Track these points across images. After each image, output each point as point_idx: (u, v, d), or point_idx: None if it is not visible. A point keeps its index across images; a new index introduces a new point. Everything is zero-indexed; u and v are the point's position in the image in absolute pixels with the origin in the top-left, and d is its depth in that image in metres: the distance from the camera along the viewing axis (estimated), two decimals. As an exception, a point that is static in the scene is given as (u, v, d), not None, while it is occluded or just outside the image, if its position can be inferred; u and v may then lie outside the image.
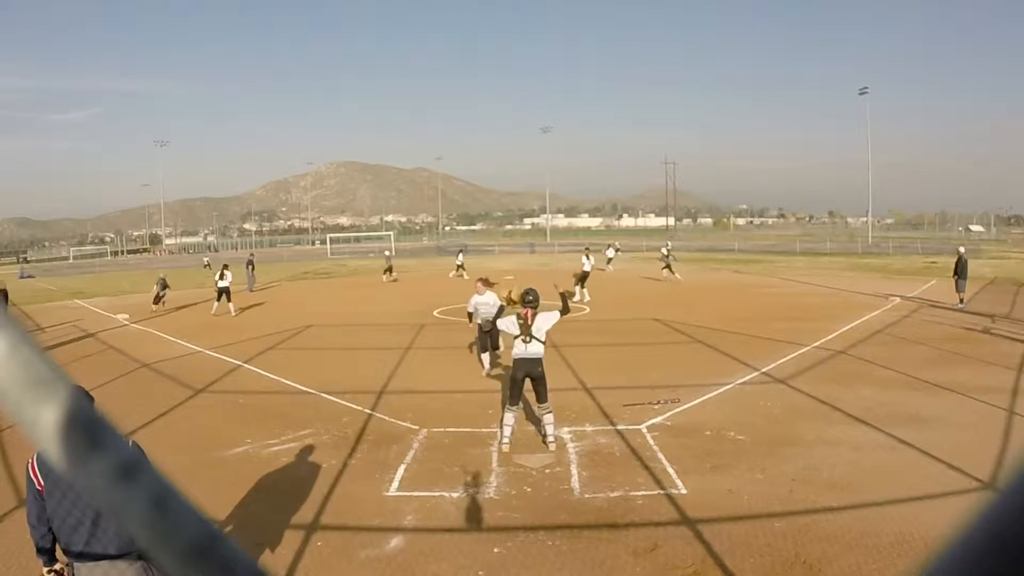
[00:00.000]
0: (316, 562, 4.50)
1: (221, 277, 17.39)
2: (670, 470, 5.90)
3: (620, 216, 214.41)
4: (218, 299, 17.36)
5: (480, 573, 4.35)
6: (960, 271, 15.76)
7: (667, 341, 12.45)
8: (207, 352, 12.07)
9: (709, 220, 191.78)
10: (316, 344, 13.01)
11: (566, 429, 7.05)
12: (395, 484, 5.79)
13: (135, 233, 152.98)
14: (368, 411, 7.92)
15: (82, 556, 2.79)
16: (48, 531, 2.83)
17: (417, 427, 7.26)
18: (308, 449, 6.67)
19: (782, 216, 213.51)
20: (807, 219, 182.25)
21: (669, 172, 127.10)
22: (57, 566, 2.90)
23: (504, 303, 8.31)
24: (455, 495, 5.55)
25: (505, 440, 6.47)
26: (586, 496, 5.47)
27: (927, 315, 14.80)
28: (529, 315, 6.68)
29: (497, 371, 9.47)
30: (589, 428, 7.15)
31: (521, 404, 6.71)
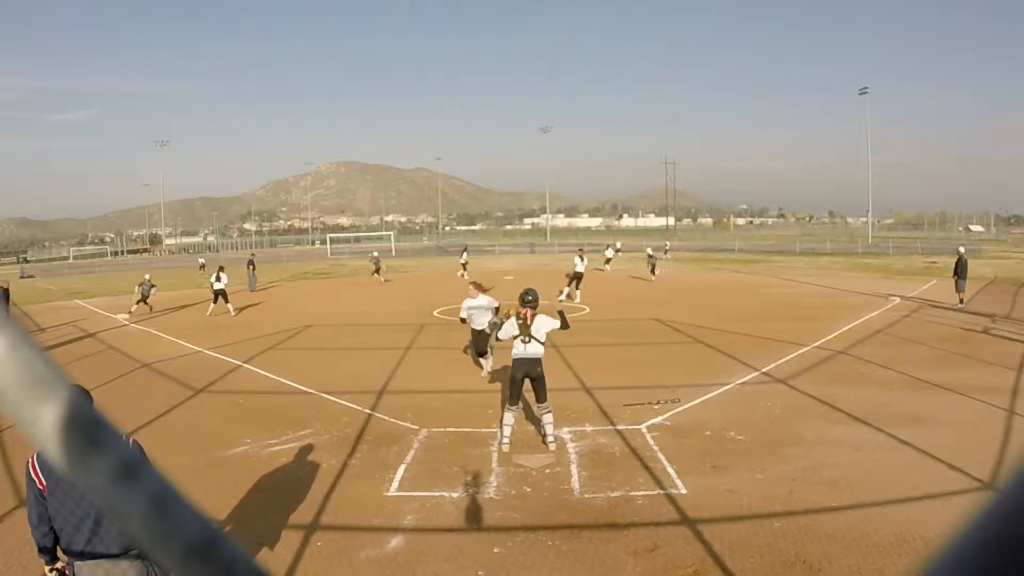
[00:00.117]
0: (316, 562, 4.50)
1: (217, 279, 17.37)
2: (670, 470, 5.90)
3: (620, 216, 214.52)
4: (214, 301, 17.32)
5: (480, 573, 4.35)
6: (960, 271, 15.76)
7: (667, 341, 12.45)
8: (207, 352, 12.07)
9: (709, 220, 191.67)
10: (316, 344, 13.01)
11: (566, 429, 7.05)
12: (395, 484, 5.79)
13: (135, 233, 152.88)
14: (368, 411, 7.92)
15: (83, 555, 2.79)
16: (50, 530, 2.83)
17: (417, 427, 7.26)
18: (308, 449, 6.67)
19: (782, 216, 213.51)
20: (807, 219, 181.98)
21: (669, 172, 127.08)
22: (59, 565, 2.90)
23: (502, 319, 8.24)
24: (455, 495, 5.55)
25: (505, 440, 6.47)
26: (586, 496, 5.47)
27: (927, 315, 14.80)
28: (529, 315, 6.68)
29: (493, 372, 9.40)
30: (589, 428, 7.15)
31: (521, 404, 6.71)
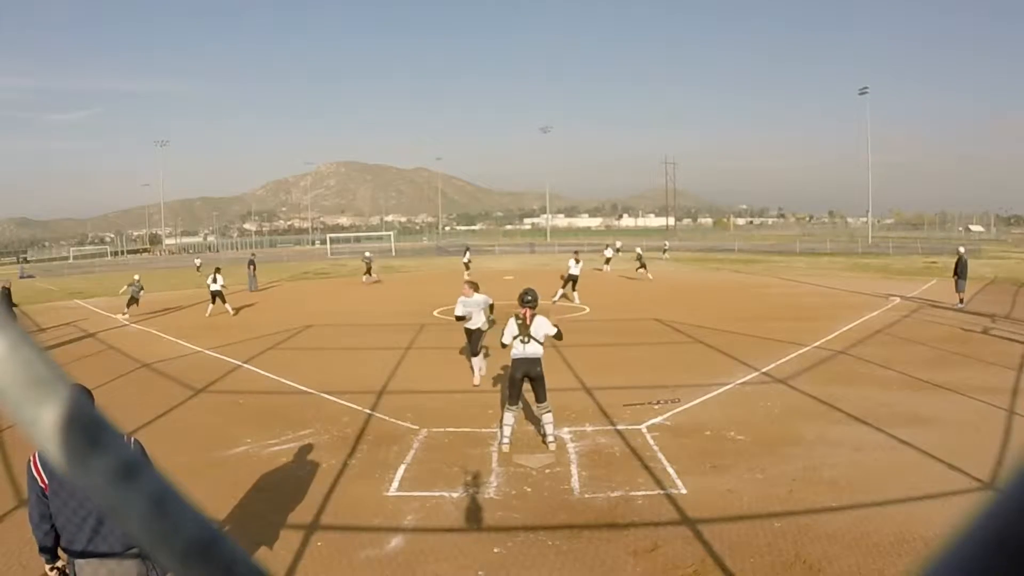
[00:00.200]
0: (316, 562, 4.50)
1: (213, 280, 17.39)
2: (670, 470, 5.90)
3: (620, 216, 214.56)
4: (212, 302, 17.36)
5: (480, 573, 4.34)
6: (960, 271, 15.76)
7: (667, 341, 12.45)
8: (207, 352, 12.07)
9: (709, 220, 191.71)
10: (316, 344, 13.01)
11: (566, 429, 7.05)
12: (395, 484, 5.79)
13: (135, 233, 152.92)
14: (368, 411, 7.92)
15: (84, 554, 2.79)
16: (51, 528, 2.83)
17: (417, 427, 7.26)
18: (308, 449, 6.67)
19: (782, 216, 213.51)
20: (807, 219, 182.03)
21: (669, 172, 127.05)
22: (59, 563, 2.89)
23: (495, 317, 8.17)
24: (455, 495, 5.55)
25: (505, 440, 6.47)
26: (586, 496, 5.47)
27: (927, 315, 14.80)
28: (528, 315, 6.68)
29: (483, 378, 9.22)
30: (589, 428, 7.15)
31: (521, 404, 6.71)
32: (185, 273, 32.70)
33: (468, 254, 29.77)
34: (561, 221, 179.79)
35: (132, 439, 2.86)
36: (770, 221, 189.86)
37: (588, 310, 16.65)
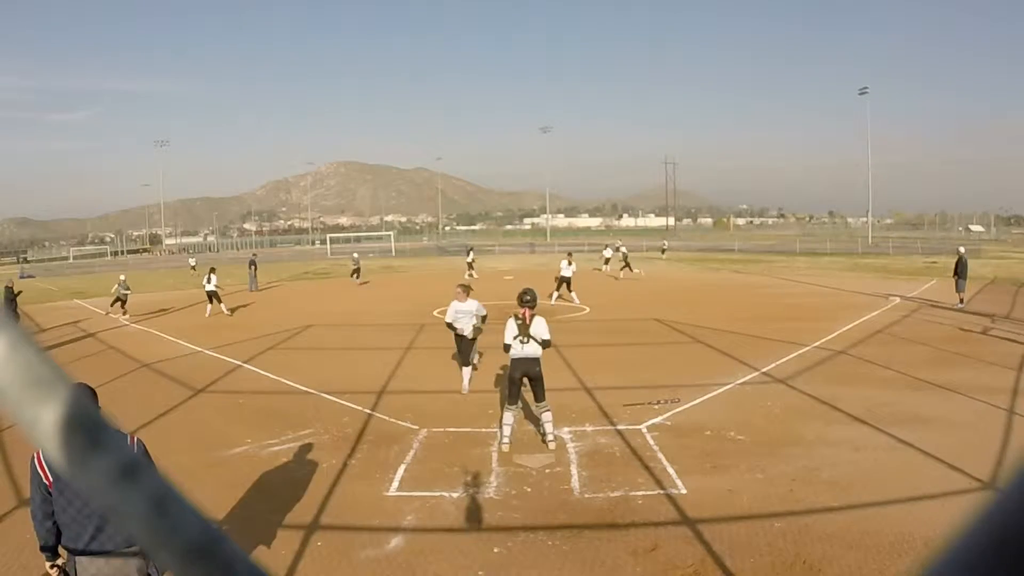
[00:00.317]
0: (316, 562, 4.50)
1: (208, 280, 17.42)
2: (670, 470, 5.90)
3: (620, 216, 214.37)
4: (209, 302, 17.42)
5: (480, 573, 4.35)
6: (960, 271, 15.76)
7: (667, 341, 12.45)
8: (207, 352, 12.07)
9: (709, 220, 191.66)
10: (316, 344, 13.01)
11: (566, 429, 7.05)
12: (395, 484, 5.79)
13: (135, 233, 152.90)
14: (368, 411, 7.93)
15: (86, 552, 2.79)
16: (53, 525, 2.83)
17: (417, 427, 7.26)
18: (308, 449, 6.67)
19: (782, 216, 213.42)
20: (807, 219, 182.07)
21: (669, 172, 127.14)
22: (59, 561, 2.90)
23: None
24: (455, 495, 5.55)
25: (505, 440, 6.47)
26: (586, 496, 5.47)
27: (927, 315, 14.80)
28: (527, 315, 6.67)
29: (471, 386, 8.90)
30: (589, 428, 7.15)
31: (520, 404, 6.71)
32: (185, 273, 32.70)
33: (472, 254, 29.27)
34: (561, 221, 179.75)
35: (135, 439, 2.87)
36: (770, 221, 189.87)
37: (588, 310, 16.66)
